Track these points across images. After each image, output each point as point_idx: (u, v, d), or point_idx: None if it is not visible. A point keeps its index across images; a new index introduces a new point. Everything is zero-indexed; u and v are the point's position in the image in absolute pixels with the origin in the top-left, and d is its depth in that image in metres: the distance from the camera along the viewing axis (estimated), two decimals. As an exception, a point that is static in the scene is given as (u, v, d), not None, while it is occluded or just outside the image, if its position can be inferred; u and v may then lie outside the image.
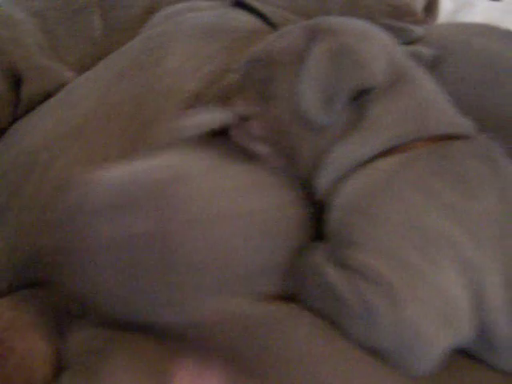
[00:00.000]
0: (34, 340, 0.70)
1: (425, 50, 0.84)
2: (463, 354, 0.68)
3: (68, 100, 0.91)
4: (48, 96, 0.97)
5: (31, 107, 0.97)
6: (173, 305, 0.62)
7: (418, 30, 0.87)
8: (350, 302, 0.63)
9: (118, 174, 0.66)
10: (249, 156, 0.75)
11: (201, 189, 0.66)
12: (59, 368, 0.68)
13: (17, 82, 0.99)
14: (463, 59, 0.83)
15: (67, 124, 0.86)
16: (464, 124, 0.75)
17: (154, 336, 0.64)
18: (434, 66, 0.83)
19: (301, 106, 0.70)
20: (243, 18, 0.94)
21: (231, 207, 0.66)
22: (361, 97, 0.70)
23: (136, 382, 0.60)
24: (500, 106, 0.80)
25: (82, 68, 1.05)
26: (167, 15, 0.99)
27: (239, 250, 0.65)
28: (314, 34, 0.73)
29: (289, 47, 0.74)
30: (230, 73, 0.81)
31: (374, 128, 0.70)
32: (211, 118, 0.75)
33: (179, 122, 0.77)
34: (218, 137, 0.75)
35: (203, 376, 0.60)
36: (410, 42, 0.87)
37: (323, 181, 0.72)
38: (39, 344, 0.70)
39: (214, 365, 0.60)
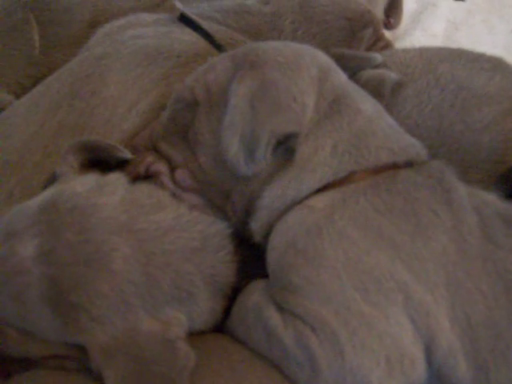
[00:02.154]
0: None
1: (390, 74, 0.80)
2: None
3: (2, 130, 0.84)
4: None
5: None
6: None
7: (377, 57, 0.82)
8: (291, 349, 0.59)
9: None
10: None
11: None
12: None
13: None
14: (428, 84, 0.80)
15: (1, 157, 0.80)
16: (413, 149, 0.69)
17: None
18: (396, 89, 0.80)
19: (224, 155, 0.65)
20: (187, 39, 0.87)
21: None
22: (287, 139, 0.64)
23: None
24: (462, 132, 0.77)
25: (23, 90, 0.98)
26: (106, 33, 0.92)
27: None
28: (238, 68, 0.67)
29: (213, 84, 0.69)
30: (163, 110, 0.76)
31: (306, 167, 0.65)
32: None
33: None
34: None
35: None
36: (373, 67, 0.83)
37: (258, 224, 0.68)
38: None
39: None
